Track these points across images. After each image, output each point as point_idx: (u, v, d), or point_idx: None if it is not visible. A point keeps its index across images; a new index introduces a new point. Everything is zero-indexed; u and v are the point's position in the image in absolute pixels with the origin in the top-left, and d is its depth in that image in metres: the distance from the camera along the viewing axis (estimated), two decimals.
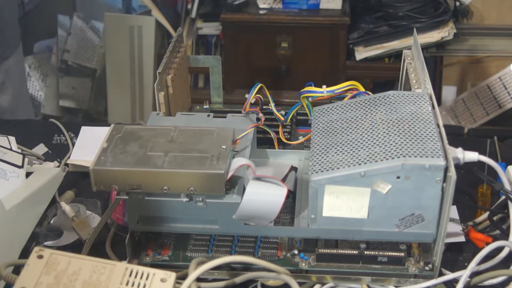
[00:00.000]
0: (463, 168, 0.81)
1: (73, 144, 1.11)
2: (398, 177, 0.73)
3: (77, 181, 1.02)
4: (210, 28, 2.12)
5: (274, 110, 0.95)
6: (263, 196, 0.75)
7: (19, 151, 1.01)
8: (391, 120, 0.79)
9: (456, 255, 0.85)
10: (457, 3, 2.03)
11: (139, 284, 0.67)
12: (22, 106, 1.68)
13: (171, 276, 0.68)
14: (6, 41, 1.54)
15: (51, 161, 1.07)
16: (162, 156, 0.76)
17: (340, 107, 0.85)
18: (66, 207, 0.93)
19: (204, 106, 1.07)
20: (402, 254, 0.79)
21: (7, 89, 1.57)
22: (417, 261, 0.80)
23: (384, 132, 0.77)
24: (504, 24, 2.07)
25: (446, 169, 0.72)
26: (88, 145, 1.05)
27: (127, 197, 0.77)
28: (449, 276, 0.79)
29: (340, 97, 0.90)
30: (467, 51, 2.09)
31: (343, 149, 0.77)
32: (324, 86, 0.90)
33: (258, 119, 0.91)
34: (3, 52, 1.54)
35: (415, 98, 0.83)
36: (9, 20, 1.54)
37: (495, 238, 0.86)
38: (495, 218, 0.90)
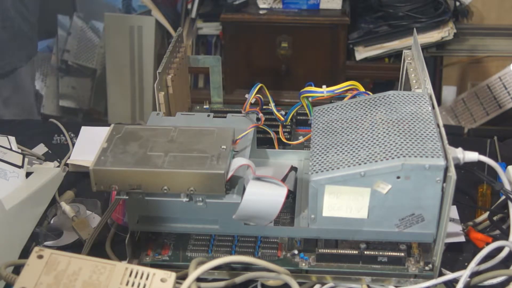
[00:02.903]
0: (463, 168, 0.81)
1: (73, 144, 1.11)
2: (398, 177, 0.73)
3: (77, 181, 1.02)
4: (210, 28, 2.12)
5: (274, 110, 0.95)
6: (263, 196, 0.75)
7: (19, 151, 1.01)
8: (391, 120, 0.79)
9: (456, 255, 0.85)
10: (457, 3, 2.03)
11: (139, 284, 0.67)
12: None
13: (171, 276, 0.68)
14: (14, 51, 1.50)
15: (51, 161, 1.07)
16: (162, 156, 0.76)
17: (340, 107, 0.85)
18: (66, 207, 0.93)
19: (204, 106, 1.07)
20: (402, 254, 0.79)
21: (13, 102, 1.54)
22: (417, 261, 0.80)
23: (384, 132, 0.77)
24: (504, 24, 2.06)
25: (446, 169, 0.72)
26: (88, 145, 1.05)
27: (127, 197, 0.77)
28: (449, 276, 0.79)
29: (340, 97, 0.90)
30: (467, 51, 2.09)
31: (343, 149, 0.77)
32: (324, 86, 0.90)
33: (258, 119, 0.91)
34: (11, 63, 1.51)
35: (415, 98, 0.83)
36: (22, 28, 1.51)
37: (495, 238, 0.86)
38: (495, 218, 0.90)
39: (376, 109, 0.82)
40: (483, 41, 2.08)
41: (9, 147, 1.00)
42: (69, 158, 1.06)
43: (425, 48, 1.99)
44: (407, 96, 0.83)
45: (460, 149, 0.77)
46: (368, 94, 0.88)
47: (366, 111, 0.82)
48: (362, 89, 0.89)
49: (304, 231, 0.80)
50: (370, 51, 1.99)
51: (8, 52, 1.48)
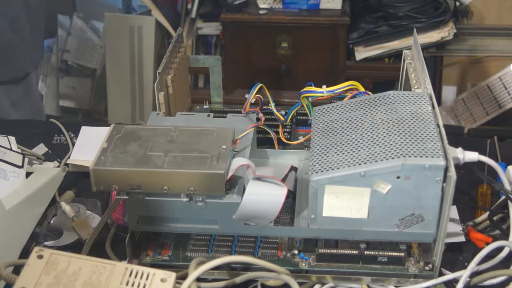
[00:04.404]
0: (463, 168, 0.81)
1: (73, 144, 1.11)
2: (398, 177, 0.73)
3: (77, 181, 1.02)
4: (210, 28, 2.12)
5: (274, 110, 0.95)
6: (263, 196, 0.75)
7: (19, 151, 1.01)
8: (391, 120, 0.79)
9: (456, 255, 0.85)
10: (457, 3, 2.03)
11: (139, 284, 0.67)
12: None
13: (171, 276, 0.68)
14: (23, 56, 1.49)
15: (51, 161, 1.07)
16: (162, 156, 0.76)
17: (340, 107, 0.85)
18: (66, 207, 0.93)
19: (204, 106, 1.07)
20: (402, 254, 0.79)
21: (22, 106, 1.54)
22: (417, 261, 0.80)
23: (384, 132, 0.77)
24: (504, 24, 2.07)
25: (446, 169, 0.72)
26: (88, 145, 1.05)
27: (127, 197, 0.77)
28: (449, 276, 0.79)
29: (340, 97, 0.90)
30: (467, 51, 2.09)
31: (343, 149, 0.77)
32: (324, 86, 0.90)
33: (258, 119, 0.91)
34: (20, 68, 1.50)
35: (415, 98, 0.83)
36: (29, 32, 1.50)
37: (495, 238, 0.86)
38: (495, 218, 0.90)
39: (376, 109, 0.82)
40: (483, 41, 2.08)
41: (9, 147, 1.00)
42: (69, 158, 1.06)
43: (425, 48, 1.99)
44: (407, 96, 0.83)
45: (460, 149, 0.77)
46: (368, 94, 0.88)
47: (366, 111, 0.82)
48: (362, 89, 0.89)
49: (304, 231, 0.80)
50: (370, 51, 1.99)
51: (18, 56, 1.47)
